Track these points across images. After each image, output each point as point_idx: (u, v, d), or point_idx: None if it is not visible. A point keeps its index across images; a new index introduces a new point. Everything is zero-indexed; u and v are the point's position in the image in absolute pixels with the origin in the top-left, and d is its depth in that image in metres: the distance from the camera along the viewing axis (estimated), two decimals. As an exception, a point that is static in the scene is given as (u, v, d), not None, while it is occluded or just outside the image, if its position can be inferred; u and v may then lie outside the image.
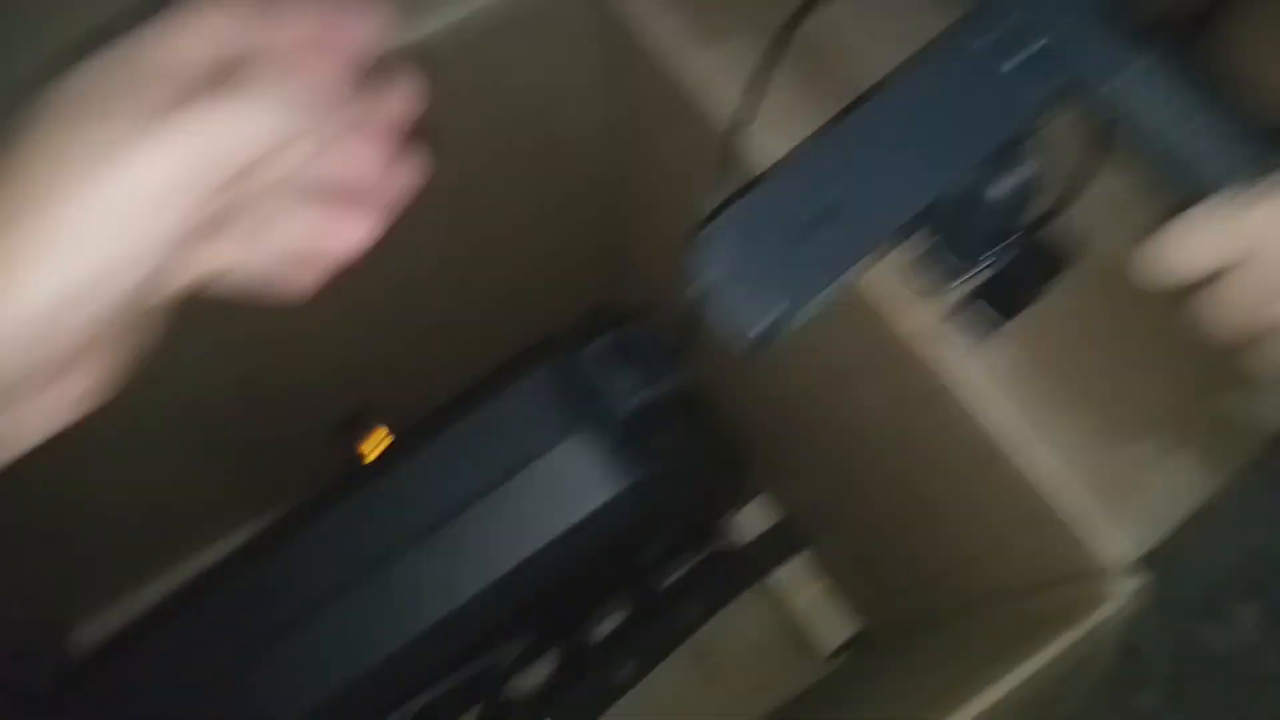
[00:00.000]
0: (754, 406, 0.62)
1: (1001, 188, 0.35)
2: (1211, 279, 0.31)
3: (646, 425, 0.48)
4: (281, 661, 0.49)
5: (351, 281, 0.29)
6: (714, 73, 0.44)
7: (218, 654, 0.50)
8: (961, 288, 0.40)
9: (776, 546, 0.79)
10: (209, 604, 0.52)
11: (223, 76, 0.25)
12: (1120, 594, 0.40)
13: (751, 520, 0.81)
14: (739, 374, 0.58)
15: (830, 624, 0.83)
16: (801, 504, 0.76)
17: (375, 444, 0.60)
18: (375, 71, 0.28)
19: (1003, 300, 0.40)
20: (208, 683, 0.50)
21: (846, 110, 0.39)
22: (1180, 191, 0.32)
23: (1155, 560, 0.40)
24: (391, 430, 0.59)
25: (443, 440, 0.50)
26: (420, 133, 0.29)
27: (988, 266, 0.40)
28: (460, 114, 0.45)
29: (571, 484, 0.48)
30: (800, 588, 0.83)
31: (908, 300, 0.41)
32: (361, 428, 0.62)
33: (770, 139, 0.42)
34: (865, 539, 0.68)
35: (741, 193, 0.34)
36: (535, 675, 0.75)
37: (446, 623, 0.49)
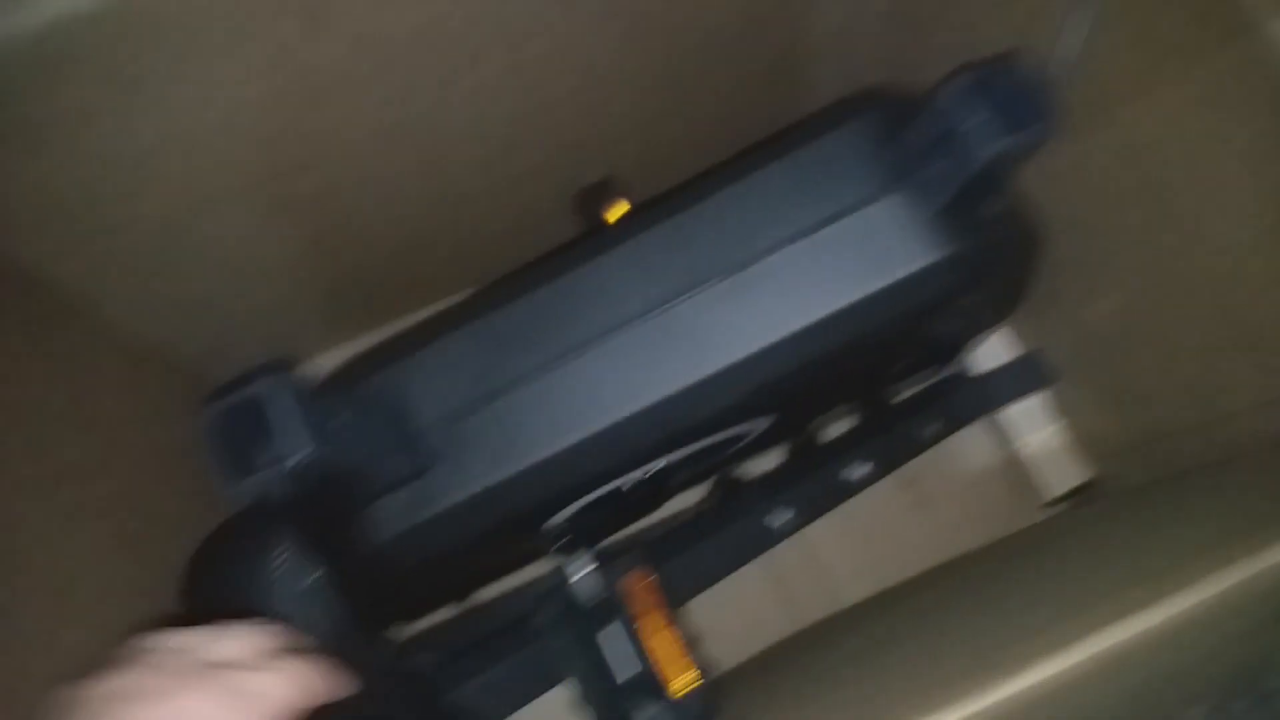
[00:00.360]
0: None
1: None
2: None
3: (981, 189, 0.43)
4: (550, 392, 0.48)
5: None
6: None
7: (477, 376, 0.49)
8: None
9: (1022, 378, 0.74)
10: (472, 328, 0.50)
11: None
12: None
13: (995, 349, 0.77)
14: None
15: (1059, 467, 0.79)
16: (1064, 332, 0.70)
17: (617, 214, 0.58)
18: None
19: None
20: (463, 405, 0.49)
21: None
22: None
23: None
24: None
25: (746, 183, 0.46)
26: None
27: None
28: None
29: (885, 245, 0.45)
30: (1033, 425, 0.79)
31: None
32: (603, 197, 0.59)
33: None
34: (1144, 369, 0.62)
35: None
36: (766, 463, 0.74)
37: (727, 374, 0.46)
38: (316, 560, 0.50)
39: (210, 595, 0.47)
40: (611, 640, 0.51)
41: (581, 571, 0.47)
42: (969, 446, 0.83)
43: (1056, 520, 0.78)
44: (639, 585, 0.51)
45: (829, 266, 0.45)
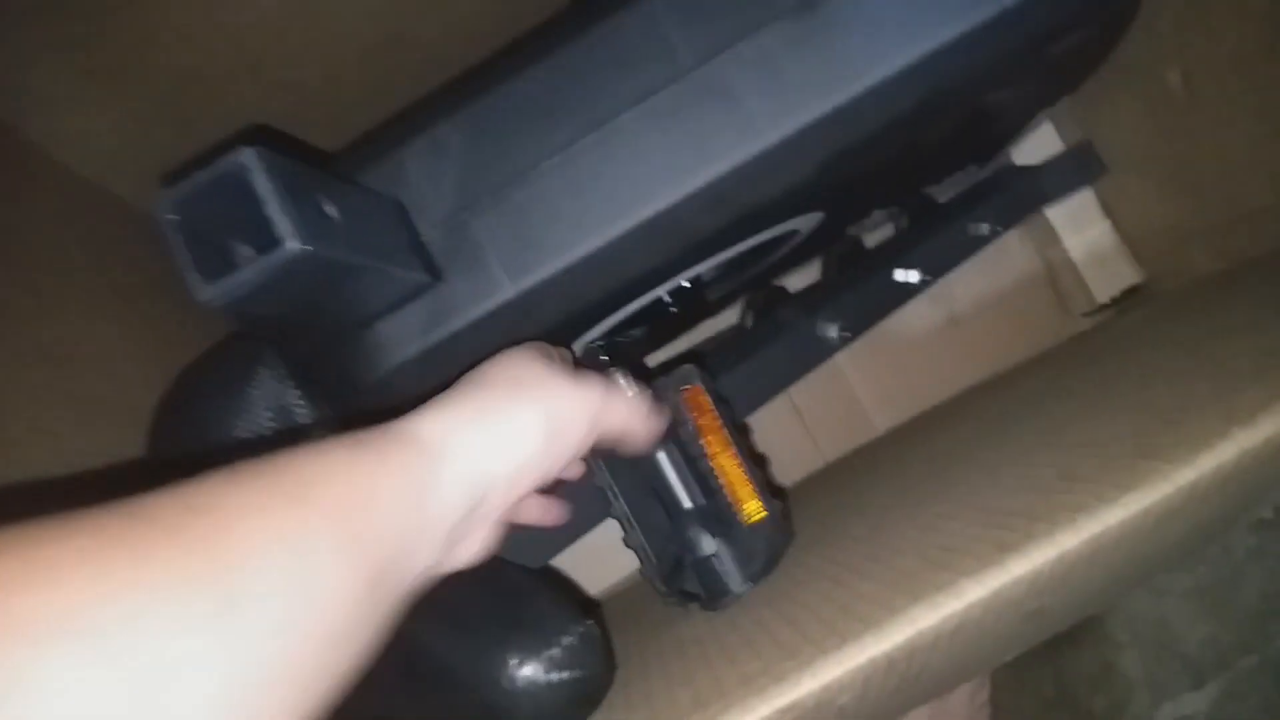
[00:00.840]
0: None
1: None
2: None
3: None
4: (574, 177, 0.39)
5: None
6: None
7: (488, 166, 0.40)
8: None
9: (1073, 169, 0.67)
10: (475, 109, 0.41)
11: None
12: None
13: (1041, 143, 0.69)
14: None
15: (1106, 270, 0.72)
16: (1122, 114, 0.62)
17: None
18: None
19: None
20: (474, 202, 0.40)
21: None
22: None
23: None
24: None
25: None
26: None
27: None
28: None
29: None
30: (1077, 226, 0.72)
31: None
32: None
33: None
34: (1214, 144, 0.55)
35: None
36: (811, 274, 0.66)
37: (794, 141, 0.38)
38: (311, 398, 0.42)
39: (186, 436, 0.39)
40: (672, 463, 0.44)
41: (629, 386, 0.40)
42: (1007, 254, 0.76)
43: (1104, 330, 0.71)
44: (698, 401, 0.44)
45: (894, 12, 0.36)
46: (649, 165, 0.38)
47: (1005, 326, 0.76)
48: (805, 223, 0.50)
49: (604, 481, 0.44)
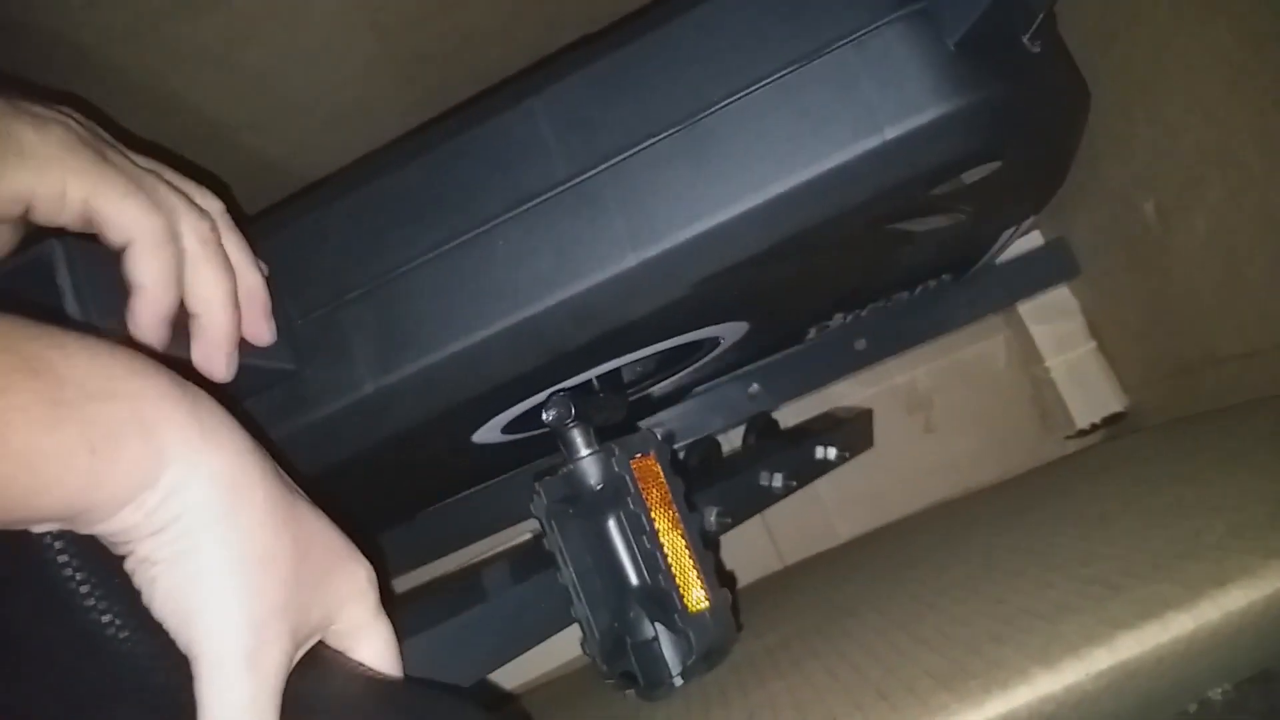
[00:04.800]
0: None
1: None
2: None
3: (1011, 17, 0.32)
4: (448, 275, 0.38)
5: None
6: None
7: (361, 258, 0.39)
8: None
9: (1043, 267, 0.64)
10: (358, 199, 0.40)
11: None
12: None
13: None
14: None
15: (1090, 394, 0.68)
16: (1100, 234, 0.59)
17: None
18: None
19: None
20: (342, 293, 0.39)
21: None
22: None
23: None
24: None
25: (706, 9, 0.36)
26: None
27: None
28: None
29: (886, 87, 0.34)
30: (1061, 346, 0.68)
31: None
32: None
33: None
34: (1198, 282, 0.51)
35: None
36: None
37: (671, 257, 0.36)
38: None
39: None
40: (620, 534, 0.41)
41: (583, 454, 0.38)
42: (989, 367, 0.72)
43: (1079, 459, 0.67)
44: (651, 471, 0.41)
45: (810, 115, 0.34)
46: (514, 272, 0.37)
47: (983, 441, 0.73)
48: (727, 331, 0.48)
49: (554, 545, 0.42)
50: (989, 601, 0.35)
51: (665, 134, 0.35)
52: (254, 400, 0.39)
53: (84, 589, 0.25)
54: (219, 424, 0.27)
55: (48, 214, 0.30)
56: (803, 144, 0.34)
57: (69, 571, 0.25)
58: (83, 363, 0.25)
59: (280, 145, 0.47)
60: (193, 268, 0.33)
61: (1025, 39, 0.36)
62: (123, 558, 0.26)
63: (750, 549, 0.72)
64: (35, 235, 0.31)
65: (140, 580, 0.26)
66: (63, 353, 0.24)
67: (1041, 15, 0.35)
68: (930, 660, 0.32)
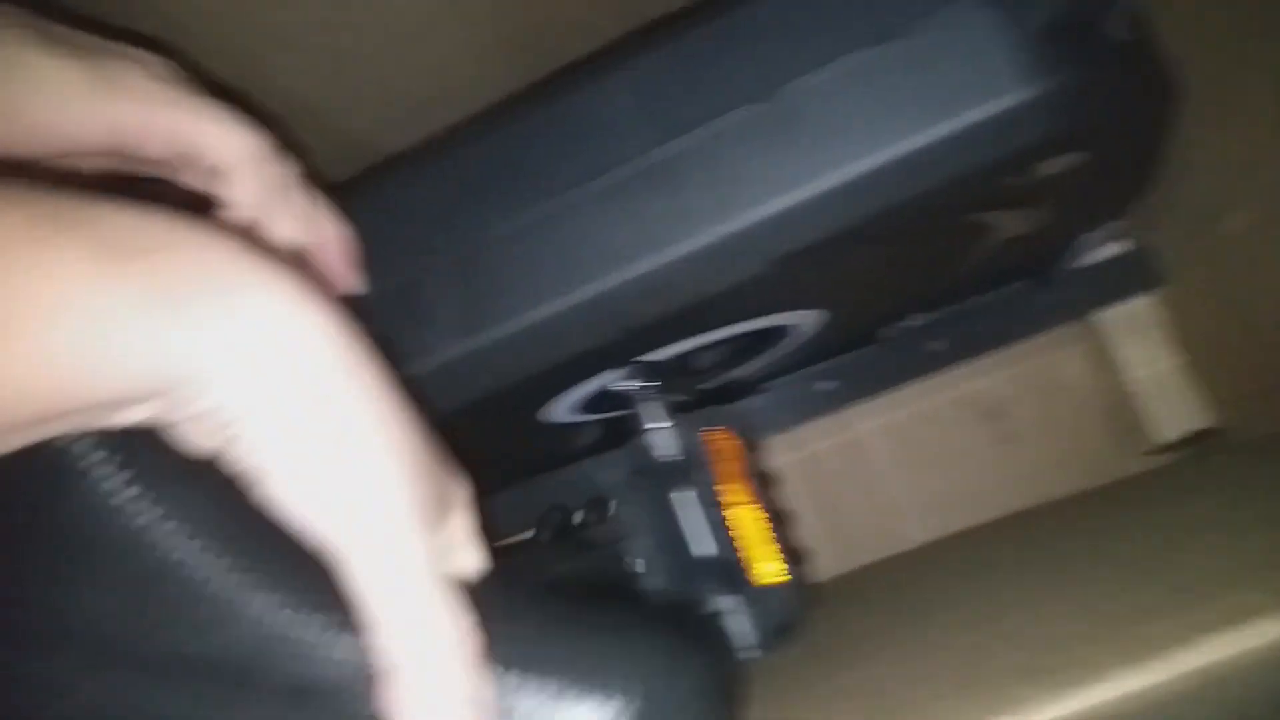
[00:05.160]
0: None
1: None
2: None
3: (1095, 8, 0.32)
4: (515, 249, 0.39)
5: None
6: None
7: (442, 227, 0.40)
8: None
9: (1124, 277, 0.63)
10: (440, 168, 0.41)
11: None
12: None
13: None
14: None
15: (1174, 409, 0.67)
16: (1190, 246, 0.58)
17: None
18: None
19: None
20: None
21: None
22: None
23: None
24: None
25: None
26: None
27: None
28: None
29: (963, 70, 0.34)
30: (1147, 358, 0.67)
31: None
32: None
33: None
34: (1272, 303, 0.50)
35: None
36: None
37: (743, 236, 0.37)
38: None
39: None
40: (688, 507, 0.42)
41: (659, 425, 0.38)
42: (1067, 377, 0.71)
43: (1165, 473, 0.66)
44: (722, 445, 0.42)
45: (890, 95, 0.34)
46: (592, 245, 0.38)
47: (1059, 453, 0.71)
48: (800, 319, 0.48)
49: (626, 517, 0.43)
50: (1070, 603, 0.35)
51: (745, 109, 0.36)
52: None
53: (141, 501, 0.23)
54: (301, 281, 0.23)
55: (140, 143, 0.30)
56: (882, 123, 0.34)
57: (121, 482, 0.23)
58: (128, 219, 0.22)
59: (365, 124, 0.48)
60: (285, 199, 0.33)
61: (1112, 27, 0.36)
62: (199, 465, 0.23)
63: (818, 550, 0.72)
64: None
65: (249, 467, 0.22)
66: (100, 210, 0.21)
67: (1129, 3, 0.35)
68: (1010, 656, 0.31)
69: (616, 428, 0.45)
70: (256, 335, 0.22)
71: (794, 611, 0.40)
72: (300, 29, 0.40)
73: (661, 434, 0.41)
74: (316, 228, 0.35)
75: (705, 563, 0.41)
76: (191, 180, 0.33)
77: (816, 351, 0.57)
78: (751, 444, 0.43)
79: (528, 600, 0.27)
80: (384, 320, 0.40)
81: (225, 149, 0.32)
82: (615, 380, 0.42)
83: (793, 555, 0.41)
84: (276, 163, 0.33)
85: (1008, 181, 0.38)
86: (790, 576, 0.40)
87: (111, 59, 0.30)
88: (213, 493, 0.24)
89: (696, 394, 0.44)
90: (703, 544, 0.41)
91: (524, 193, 0.39)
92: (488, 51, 0.45)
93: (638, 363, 0.43)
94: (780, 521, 0.42)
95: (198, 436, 0.23)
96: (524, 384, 0.42)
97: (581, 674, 0.25)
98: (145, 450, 0.24)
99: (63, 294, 0.20)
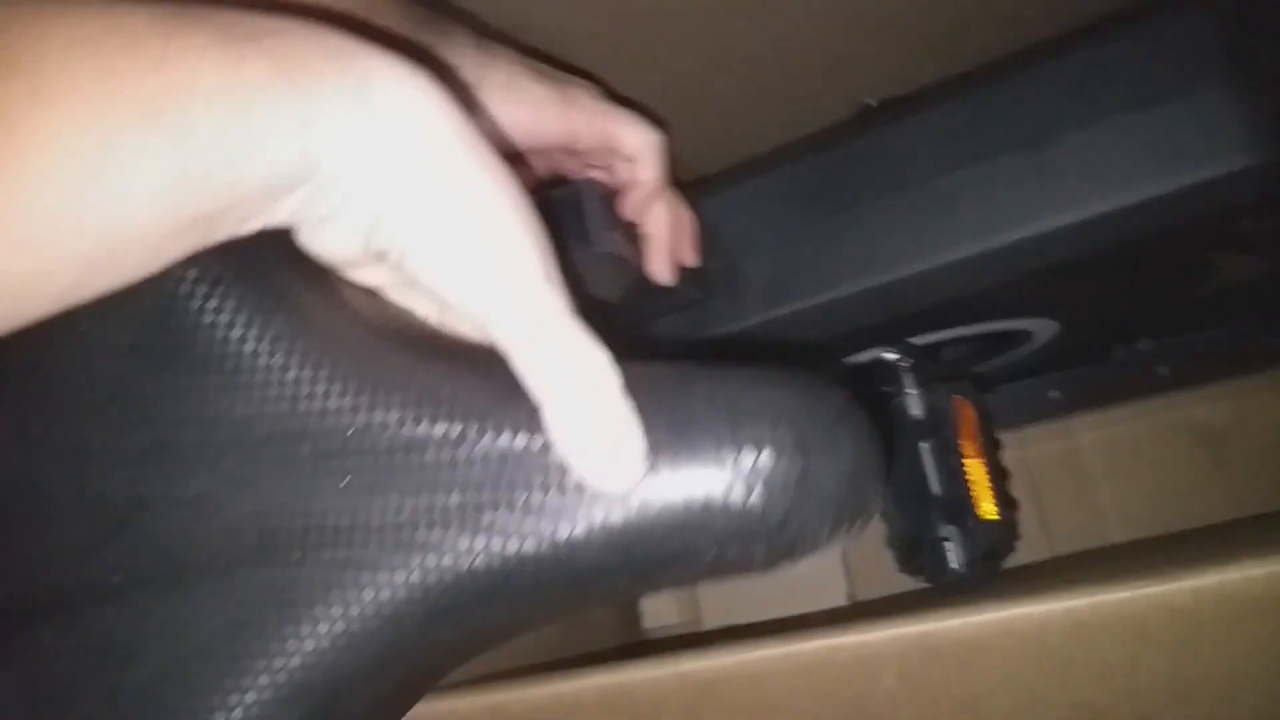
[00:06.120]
0: None
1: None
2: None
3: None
4: (824, 243, 0.50)
5: None
6: None
7: (765, 223, 0.52)
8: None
9: None
10: (762, 183, 0.53)
11: None
12: None
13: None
14: None
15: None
16: None
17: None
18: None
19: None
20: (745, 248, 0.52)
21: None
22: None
23: None
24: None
25: (1064, 59, 0.46)
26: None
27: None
28: None
29: (1200, 138, 0.43)
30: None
31: None
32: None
33: None
34: None
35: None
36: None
37: (1007, 250, 0.47)
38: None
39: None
40: (931, 453, 0.54)
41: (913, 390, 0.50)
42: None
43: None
44: (965, 412, 0.53)
45: (1132, 153, 0.44)
46: (877, 247, 0.49)
47: (1271, 487, 0.76)
48: (1039, 327, 0.58)
49: None
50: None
51: (1017, 153, 0.46)
52: (670, 317, 0.53)
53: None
54: (414, 66, 0.24)
55: (583, 139, 0.43)
56: (1126, 175, 0.44)
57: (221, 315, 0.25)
58: (238, 14, 0.23)
59: (714, 136, 0.61)
60: (667, 185, 0.46)
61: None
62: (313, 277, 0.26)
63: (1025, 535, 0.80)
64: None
65: (391, 252, 0.24)
66: (220, 9, 0.22)
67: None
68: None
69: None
70: (386, 115, 0.23)
71: (1001, 544, 0.51)
72: (672, 61, 0.53)
73: (915, 398, 0.52)
74: (676, 211, 0.48)
75: (938, 499, 0.52)
76: (612, 165, 0.46)
77: (1052, 361, 0.66)
78: (985, 413, 0.53)
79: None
80: (710, 290, 0.53)
81: (638, 141, 0.45)
82: (885, 352, 0.53)
83: (1005, 501, 0.52)
84: (664, 155, 0.46)
85: (1228, 230, 0.46)
86: (1000, 516, 0.50)
87: (568, 84, 0.44)
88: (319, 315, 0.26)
89: (946, 374, 0.55)
90: (938, 484, 0.52)
91: (829, 203, 0.50)
92: (810, 91, 0.57)
93: (904, 343, 0.54)
94: (999, 474, 0.52)
95: (336, 237, 0.25)
96: (808, 349, 0.53)
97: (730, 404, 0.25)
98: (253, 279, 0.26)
99: (196, 73, 0.20)
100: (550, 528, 0.24)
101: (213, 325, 0.26)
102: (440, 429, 0.25)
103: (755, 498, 0.24)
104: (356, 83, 0.23)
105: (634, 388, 0.25)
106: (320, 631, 0.25)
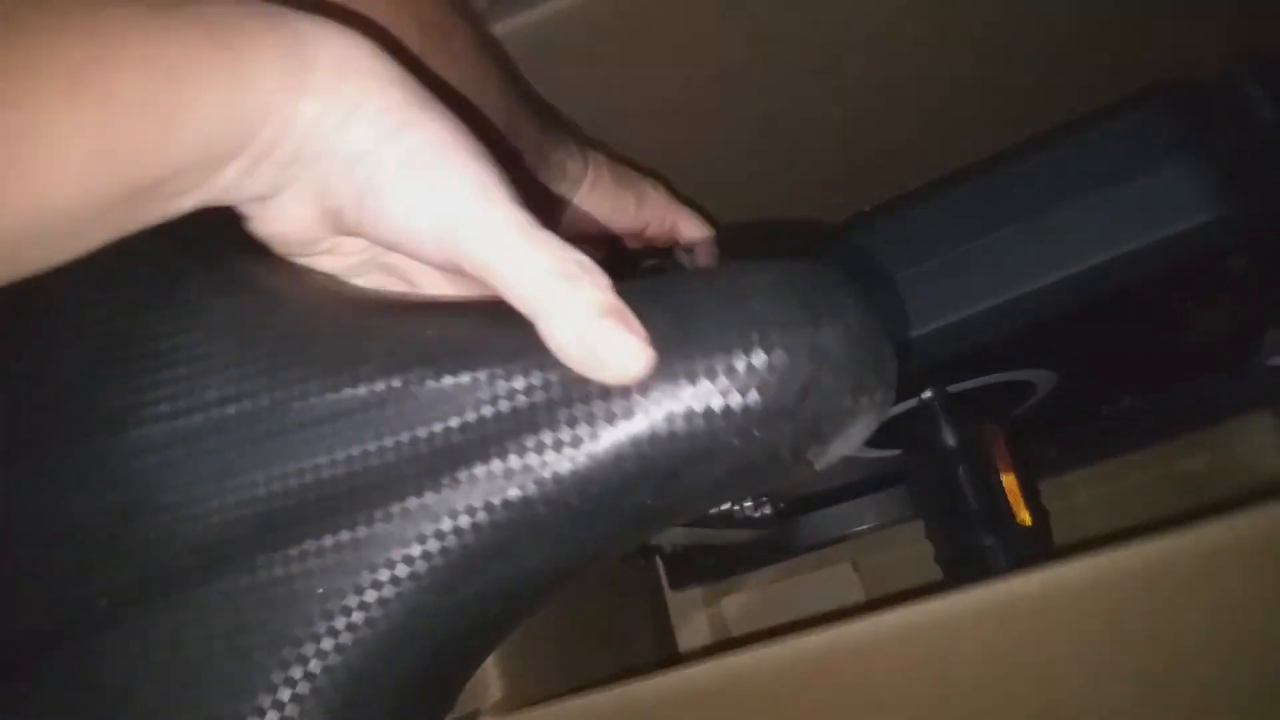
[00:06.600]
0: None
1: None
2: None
3: (1263, 159, 0.51)
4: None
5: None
6: None
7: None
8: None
9: None
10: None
11: None
12: None
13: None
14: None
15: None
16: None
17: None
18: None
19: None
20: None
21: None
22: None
23: None
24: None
25: (1060, 149, 0.56)
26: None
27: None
28: None
29: (1168, 201, 0.53)
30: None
31: None
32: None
33: None
34: None
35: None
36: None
37: (1010, 303, 0.56)
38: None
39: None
40: (967, 473, 0.61)
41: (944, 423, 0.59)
42: (1262, 462, 0.84)
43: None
44: (992, 434, 0.61)
45: (1110, 217, 0.54)
46: (903, 311, 0.58)
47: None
48: (1039, 378, 0.67)
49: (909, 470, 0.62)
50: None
51: (1016, 225, 0.56)
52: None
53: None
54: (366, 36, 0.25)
55: (651, 229, 0.53)
56: (1104, 236, 0.54)
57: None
58: None
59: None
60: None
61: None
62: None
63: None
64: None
65: (348, 203, 0.24)
66: None
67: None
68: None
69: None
70: (324, 70, 0.23)
71: (1040, 547, 0.58)
72: (716, 172, 0.63)
73: (948, 430, 0.61)
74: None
75: (976, 512, 0.59)
76: (675, 251, 0.56)
77: (1052, 416, 0.75)
78: (1010, 435, 0.62)
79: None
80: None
81: (695, 233, 0.55)
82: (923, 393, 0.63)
83: (1039, 510, 0.60)
84: (714, 246, 0.56)
85: (1197, 279, 0.56)
86: (1032, 522, 0.58)
87: (642, 182, 0.54)
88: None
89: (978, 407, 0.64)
90: (975, 499, 0.60)
91: (863, 281, 0.59)
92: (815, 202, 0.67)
93: (935, 385, 0.63)
94: (1030, 488, 0.60)
95: (288, 211, 0.25)
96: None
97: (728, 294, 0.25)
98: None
99: (124, 43, 0.20)
100: (562, 450, 0.23)
101: (178, 317, 0.26)
102: (447, 377, 0.24)
103: (770, 375, 0.23)
104: (290, 42, 0.23)
105: (626, 291, 0.24)
106: (349, 605, 0.24)
